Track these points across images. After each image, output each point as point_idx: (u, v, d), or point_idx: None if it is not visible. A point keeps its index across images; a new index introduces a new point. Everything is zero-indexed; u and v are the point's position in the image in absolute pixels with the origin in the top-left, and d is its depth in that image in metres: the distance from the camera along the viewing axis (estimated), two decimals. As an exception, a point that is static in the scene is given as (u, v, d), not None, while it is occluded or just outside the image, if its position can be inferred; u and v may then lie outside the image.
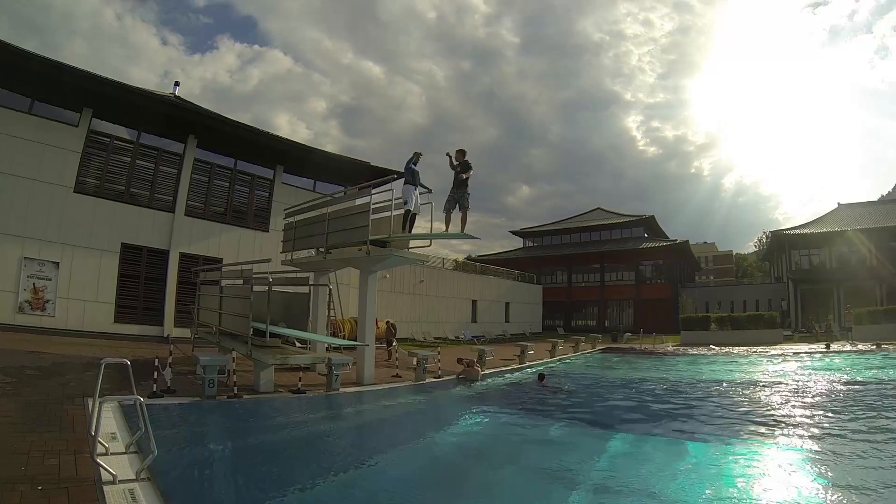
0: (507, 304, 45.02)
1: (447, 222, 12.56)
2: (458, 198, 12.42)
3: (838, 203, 50.48)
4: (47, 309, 16.46)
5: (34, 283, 16.25)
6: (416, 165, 13.14)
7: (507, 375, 16.98)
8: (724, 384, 16.05)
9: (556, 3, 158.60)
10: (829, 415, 10.75)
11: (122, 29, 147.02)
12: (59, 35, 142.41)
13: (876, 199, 56.69)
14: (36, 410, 7.15)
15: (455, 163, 12.66)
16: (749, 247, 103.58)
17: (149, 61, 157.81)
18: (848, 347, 25.82)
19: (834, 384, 15.19)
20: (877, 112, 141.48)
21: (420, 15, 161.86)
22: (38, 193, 16.50)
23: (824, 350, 24.84)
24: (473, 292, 40.82)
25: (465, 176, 12.45)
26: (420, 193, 13.12)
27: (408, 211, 12.77)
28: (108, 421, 6.46)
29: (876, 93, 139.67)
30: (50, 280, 16.58)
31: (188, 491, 5.48)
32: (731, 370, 19.91)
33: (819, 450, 7.90)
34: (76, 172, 17.45)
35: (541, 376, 15.77)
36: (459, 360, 15.98)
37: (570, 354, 24.77)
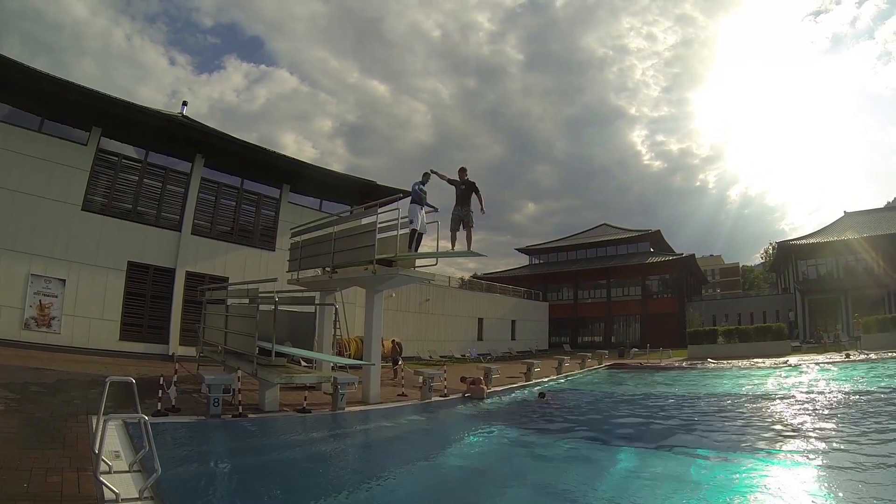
0: (513, 321, 44.86)
1: (453, 241, 12.55)
2: (463, 216, 12.42)
3: (844, 211, 50.73)
4: (53, 326, 16.49)
5: (40, 300, 16.29)
6: (424, 185, 13.16)
7: (514, 394, 16.87)
8: (731, 398, 15.96)
9: (559, 20, 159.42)
10: (841, 427, 10.66)
11: (132, 49, 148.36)
12: (69, 54, 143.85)
13: (882, 206, 56.72)
14: (39, 427, 7.15)
15: (457, 180, 12.68)
16: (755, 258, 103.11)
17: (157, 81, 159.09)
18: (862, 356, 25.54)
19: (846, 394, 15.08)
20: (881, 118, 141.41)
21: (425, 33, 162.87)
22: (46, 211, 16.59)
23: (834, 361, 24.58)
24: (479, 310, 40.70)
25: (472, 192, 12.51)
26: (426, 213, 13.15)
27: (414, 230, 12.80)
28: (111, 439, 6.44)
29: (879, 98, 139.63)
30: (56, 297, 16.63)
31: (191, 510, 5.46)
32: (738, 383, 19.75)
33: (830, 464, 7.82)
34: (84, 190, 17.58)
35: (541, 394, 15.77)
36: (463, 379, 15.90)
37: (576, 371, 24.64)
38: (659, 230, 58.31)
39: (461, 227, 12.43)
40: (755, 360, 27.44)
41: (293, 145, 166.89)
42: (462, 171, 12.72)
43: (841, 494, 6.55)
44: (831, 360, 25.02)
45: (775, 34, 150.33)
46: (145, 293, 18.80)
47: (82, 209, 17.48)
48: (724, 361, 28.11)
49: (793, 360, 26.56)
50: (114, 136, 18.45)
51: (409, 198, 13.30)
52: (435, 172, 12.98)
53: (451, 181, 12.68)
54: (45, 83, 15.92)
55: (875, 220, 47.36)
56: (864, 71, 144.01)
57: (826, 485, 6.98)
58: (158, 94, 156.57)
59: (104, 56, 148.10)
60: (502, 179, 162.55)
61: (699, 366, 27.37)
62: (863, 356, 25.24)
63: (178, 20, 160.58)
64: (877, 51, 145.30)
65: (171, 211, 19.94)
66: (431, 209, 13.32)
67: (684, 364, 28.76)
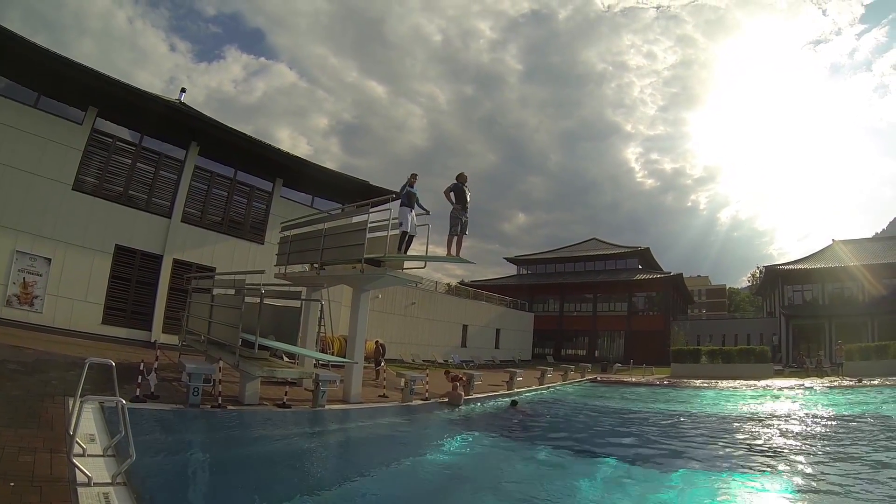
0: (497, 330, 44.89)
1: (448, 244, 12.66)
2: (463, 220, 12.56)
3: (833, 239, 51.10)
4: (35, 305, 16.30)
5: (24, 278, 16.11)
6: (412, 187, 13.18)
7: (493, 402, 16.85)
8: (711, 416, 16.05)
9: (561, 32, 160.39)
10: (814, 446, 10.74)
11: (133, 32, 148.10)
12: (69, 33, 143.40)
13: (870, 235, 57.15)
14: (14, 406, 7.07)
15: (458, 184, 12.78)
16: (742, 281, 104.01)
17: (156, 66, 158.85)
18: (846, 382, 25.78)
19: (819, 417, 15.20)
20: (874, 150, 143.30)
21: (426, 37, 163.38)
22: (37, 188, 16.41)
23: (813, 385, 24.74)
24: (464, 317, 40.74)
25: (466, 189, 12.70)
26: (417, 215, 13.17)
27: (404, 232, 12.82)
28: (87, 422, 6.38)
29: (874, 131, 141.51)
30: (40, 276, 16.45)
31: (163, 498, 5.40)
32: (718, 403, 19.88)
33: (803, 482, 7.86)
34: (76, 170, 17.39)
35: (513, 402, 16.22)
36: (447, 373, 16.06)
37: (558, 383, 24.66)
38: (648, 248, 58.54)
39: (458, 231, 12.54)
40: (740, 381, 27.53)
41: (288, 140, 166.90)
42: (462, 176, 12.87)
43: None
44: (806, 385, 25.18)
45: (775, 61, 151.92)
46: (131, 278, 18.65)
47: (73, 189, 17.31)
48: (712, 381, 28.16)
49: (781, 383, 26.68)
50: (110, 117, 18.30)
51: (400, 201, 13.31)
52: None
53: (451, 190, 12.79)
54: (45, 58, 15.76)
55: (862, 249, 47.86)
56: (860, 102, 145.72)
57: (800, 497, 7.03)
58: (156, 80, 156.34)
59: (105, 37, 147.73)
60: (494, 188, 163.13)
61: (682, 384, 27.44)
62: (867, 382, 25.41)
63: (181, 6, 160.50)
64: (874, 83, 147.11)
65: (163, 197, 19.81)
66: (423, 212, 13.35)
67: (666, 382, 28.83)
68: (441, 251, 12.94)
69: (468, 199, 12.84)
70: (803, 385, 25.45)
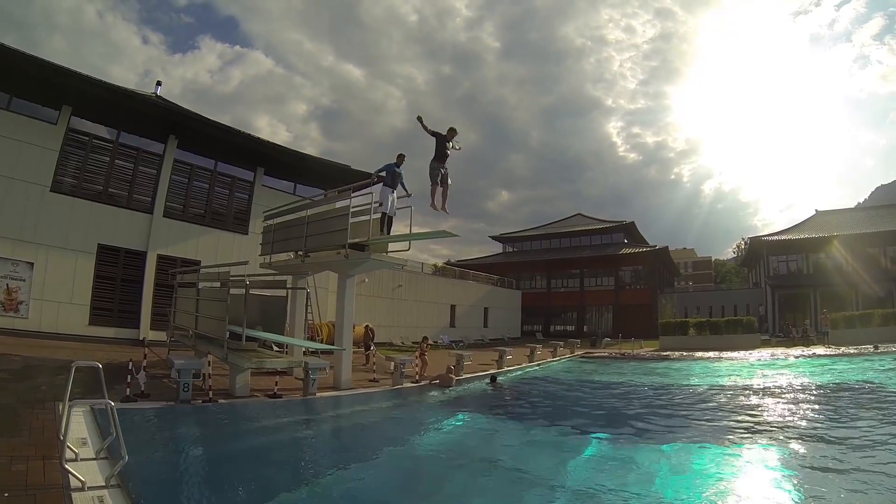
0: (485, 308, 45.10)
1: (432, 195, 12.61)
2: (443, 171, 12.51)
3: (816, 210, 51.81)
4: (20, 310, 16.20)
5: (7, 284, 15.98)
6: (399, 167, 13.14)
7: (484, 382, 16.98)
8: (698, 387, 16.27)
9: (538, 8, 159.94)
10: (804, 416, 10.93)
11: (104, 26, 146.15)
12: (39, 31, 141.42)
13: (853, 206, 57.71)
14: (4, 414, 7.07)
15: (441, 133, 12.63)
16: (728, 253, 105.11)
17: (129, 60, 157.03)
18: (830, 351, 26.17)
19: (808, 386, 15.46)
20: (855, 121, 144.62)
21: (401, 18, 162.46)
22: (14, 191, 16.24)
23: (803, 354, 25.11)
24: (452, 297, 40.90)
25: (451, 144, 12.60)
26: (399, 197, 13.15)
27: (384, 213, 12.80)
28: (78, 426, 6.40)
29: (854, 101, 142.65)
30: (24, 281, 16.33)
31: (159, 498, 5.44)
32: (704, 373, 20.16)
33: (793, 450, 8.02)
34: (53, 171, 17.21)
35: (493, 378, 16.61)
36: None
37: (548, 359, 24.84)
38: (633, 222, 58.83)
39: (440, 182, 12.52)
40: (725, 353, 27.81)
41: (267, 128, 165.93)
42: (452, 131, 12.74)
43: (803, 474, 6.73)
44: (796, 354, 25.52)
45: (754, 33, 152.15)
46: (116, 277, 18.57)
47: (51, 190, 17.14)
48: (699, 353, 28.41)
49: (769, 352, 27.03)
50: (85, 115, 18.10)
51: (382, 172, 13.26)
52: (421, 120, 12.77)
53: (433, 133, 12.62)
54: (14, 59, 15.48)
55: (846, 219, 48.57)
56: (840, 73, 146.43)
57: (791, 468, 7.17)
58: (130, 74, 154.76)
59: (75, 33, 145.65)
60: (477, 167, 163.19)
61: (671, 357, 27.70)
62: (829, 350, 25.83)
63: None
64: (853, 54, 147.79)
65: (143, 193, 19.67)
66: (405, 194, 13.31)
67: (655, 355, 29.12)
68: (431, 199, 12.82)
69: (448, 153, 12.69)
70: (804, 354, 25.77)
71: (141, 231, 19.26)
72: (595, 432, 9.95)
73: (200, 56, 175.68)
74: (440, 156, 12.58)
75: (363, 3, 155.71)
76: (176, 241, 20.29)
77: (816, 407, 12.34)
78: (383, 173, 13.16)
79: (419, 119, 12.49)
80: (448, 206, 12.88)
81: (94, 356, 8.37)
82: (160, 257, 19.57)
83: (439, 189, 12.65)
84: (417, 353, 16.18)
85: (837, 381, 16.62)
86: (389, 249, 13.81)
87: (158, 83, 23.76)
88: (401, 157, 13.28)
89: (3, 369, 10.32)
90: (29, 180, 16.58)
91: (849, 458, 7.52)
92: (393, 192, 12.99)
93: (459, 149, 13.08)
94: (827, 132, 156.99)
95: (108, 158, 18.81)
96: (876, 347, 24.50)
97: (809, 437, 9.13)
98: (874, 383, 15.53)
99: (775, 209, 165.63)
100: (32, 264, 16.48)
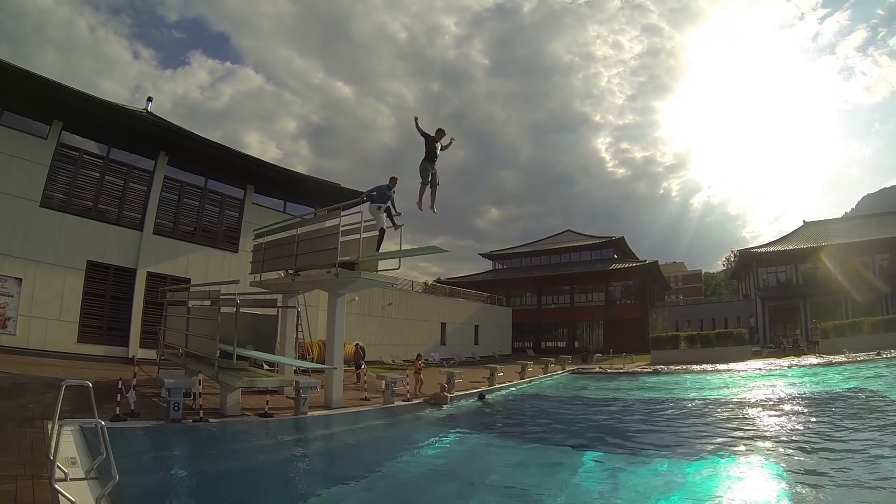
0: (476, 326, 45.06)
1: (420, 195, 12.61)
2: (433, 172, 12.52)
3: (804, 221, 52.46)
4: (8, 327, 16.01)
5: (-5, 300, 15.87)
6: (391, 191, 13.12)
7: (474, 399, 16.97)
8: (690, 401, 16.29)
9: (526, 25, 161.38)
10: (799, 427, 10.97)
11: (95, 41, 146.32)
12: (30, 43, 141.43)
13: (840, 216, 58.26)
14: (-7, 433, 7.00)
15: (432, 136, 12.62)
16: (717, 265, 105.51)
17: (121, 74, 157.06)
18: (819, 360, 26.34)
19: (802, 396, 15.52)
20: (840, 132, 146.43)
21: (391, 35, 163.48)
22: (2, 206, 16.08)
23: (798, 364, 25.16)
24: (442, 315, 40.87)
25: (441, 144, 12.60)
26: (386, 227, 13.11)
27: (382, 229, 12.82)
28: (68, 445, 6.34)
29: (840, 112, 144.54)
30: (12, 297, 16.16)
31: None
32: (696, 387, 20.17)
33: (786, 461, 8.04)
34: (43, 186, 17.09)
35: (481, 396, 16.58)
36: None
37: (539, 376, 24.81)
38: (622, 237, 58.98)
39: (430, 182, 12.54)
40: (716, 365, 27.84)
41: (257, 145, 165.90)
42: (440, 132, 12.76)
43: (797, 484, 6.75)
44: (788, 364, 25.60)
45: (740, 47, 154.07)
46: (105, 294, 18.42)
47: (41, 205, 17.02)
48: (690, 366, 28.44)
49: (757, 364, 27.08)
50: (75, 130, 18.03)
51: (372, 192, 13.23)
52: (417, 121, 12.76)
53: (424, 133, 12.63)
54: (5, 72, 15.42)
55: (833, 229, 49.12)
56: (825, 85, 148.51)
57: (782, 479, 7.19)
58: (121, 88, 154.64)
59: (67, 47, 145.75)
60: (466, 184, 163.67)
61: (662, 371, 27.72)
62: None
63: (143, 13, 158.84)
64: (838, 66, 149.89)
65: (133, 209, 19.59)
66: (391, 226, 13.29)
67: (647, 369, 29.13)
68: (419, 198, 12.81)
69: (438, 154, 12.72)
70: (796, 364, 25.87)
71: (130, 248, 19.15)
72: (587, 449, 9.96)
73: (191, 71, 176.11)
74: (430, 156, 12.61)
75: (353, 20, 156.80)
76: (166, 259, 20.18)
77: (808, 416, 12.41)
78: (374, 193, 13.14)
79: (416, 119, 12.54)
80: (437, 208, 12.86)
81: (83, 374, 8.33)
82: (150, 275, 19.43)
83: (428, 189, 12.68)
84: (413, 371, 16.24)
85: (828, 389, 16.70)
86: (380, 267, 13.83)
87: (149, 99, 23.81)
88: (393, 181, 13.30)
89: (-10, 388, 10.23)
90: (18, 195, 16.46)
91: (849, 468, 7.55)
92: (380, 209, 12.95)
93: (449, 144, 13.07)
94: (813, 143, 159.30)
95: (98, 174, 18.73)
96: (879, 353, 24.59)
97: (805, 448, 9.14)
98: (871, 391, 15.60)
99: (764, 221, 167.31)
100: (21, 280, 16.32)
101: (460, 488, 7.61)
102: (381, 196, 13.01)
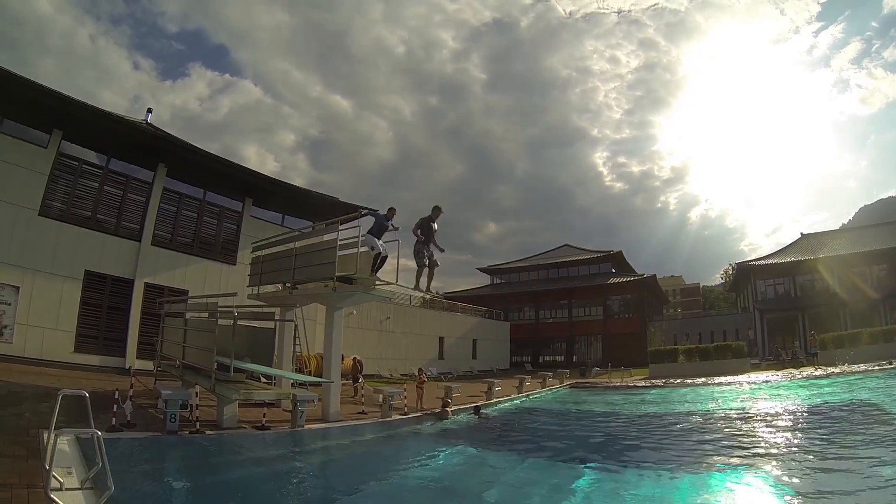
0: (474, 340, 45.00)
1: (417, 278, 12.80)
2: (429, 254, 12.68)
3: (801, 233, 52.59)
4: (4, 335, 15.93)
5: (-8, 309, 15.82)
6: (388, 222, 13.16)
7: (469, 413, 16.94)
8: (690, 415, 16.24)
9: (524, 40, 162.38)
10: (798, 439, 10.95)
11: (95, 51, 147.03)
12: (30, 51, 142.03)
13: (837, 227, 58.44)
14: (-12, 442, 6.96)
15: (431, 217, 12.85)
16: (715, 278, 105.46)
17: (120, 85, 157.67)
18: (818, 372, 26.31)
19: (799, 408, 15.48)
20: (837, 144, 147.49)
21: (389, 49, 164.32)
22: (1, 214, 16.06)
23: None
24: (440, 329, 40.85)
25: (436, 225, 12.75)
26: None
27: (378, 254, 12.83)
28: (63, 455, 6.30)
29: (835, 125, 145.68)
30: (9, 304, 16.10)
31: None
32: (695, 400, 20.12)
33: (788, 474, 7.99)
34: (42, 195, 17.09)
35: (476, 409, 16.67)
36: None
37: (537, 390, 24.78)
38: (620, 251, 59.03)
39: (427, 265, 12.66)
40: (716, 378, 27.77)
41: (255, 158, 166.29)
42: (437, 209, 12.91)
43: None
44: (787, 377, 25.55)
45: (735, 61, 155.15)
46: (102, 304, 18.37)
47: (39, 214, 17.00)
48: (688, 379, 28.39)
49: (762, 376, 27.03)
50: (75, 139, 18.05)
51: (369, 215, 13.30)
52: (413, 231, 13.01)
53: (420, 229, 12.83)
54: (5, 80, 15.37)
55: (831, 241, 49.25)
56: (820, 98, 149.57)
57: (781, 491, 7.15)
58: (120, 99, 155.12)
59: (67, 56, 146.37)
60: (463, 199, 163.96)
61: (659, 384, 27.70)
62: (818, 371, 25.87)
63: (143, 24, 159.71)
64: (832, 79, 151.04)
65: (132, 220, 19.58)
66: (439, 249, 13.50)
67: (645, 383, 29.11)
68: (412, 265, 13.01)
69: (435, 231, 12.87)
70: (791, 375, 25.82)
71: (128, 258, 19.14)
72: (585, 463, 9.91)
73: (191, 83, 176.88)
74: (427, 239, 12.76)
75: (351, 33, 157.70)
76: (164, 270, 20.16)
77: (806, 428, 12.37)
78: (373, 227, 13.13)
79: (413, 231, 12.99)
80: (432, 290, 13.09)
81: (79, 384, 8.31)
82: (147, 286, 19.41)
83: (426, 271, 12.80)
84: (416, 384, 16.27)
85: (825, 400, 16.65)
86: (377, 283, 13.84)
87: (149, 110, 23.89)
88: (391, 212, 13.29)
89: (-14, 397, 10.18)
90: (17, 203, 16.46)
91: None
92: (379, 239, 12.99)
93: (443, 250, 13.47)
94: (810, 156, 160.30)
95: (97, 184, 18.75)
96: (891, 363, 24.45)
97: (803, 460, 9.10)
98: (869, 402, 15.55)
99: (761, 234, 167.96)
100: (18, 288, 16.27)
101: (454, 502, 7.58)
102: (380, 228, 13.02)
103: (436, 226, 12.88)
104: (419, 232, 12.89)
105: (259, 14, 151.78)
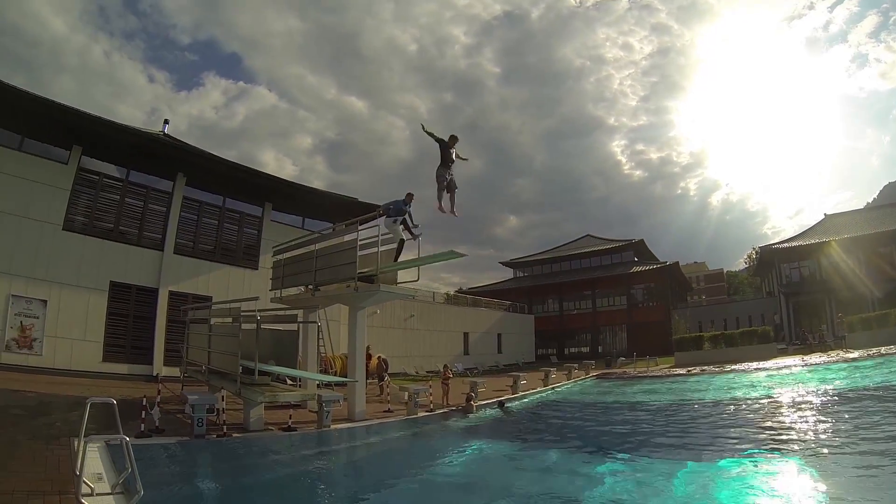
0: (498, 334, 44.83)
1: (439, 199, 12.56)
2: (449, 178, 12.48)
3: (825, 214, 51.54)
4: (34, 347, 16.25)
5: (21, 321, 16.07)
6: (407, 206, 13.18)
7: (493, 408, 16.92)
8: (714, 403, 16.08)
9: (535, 31, 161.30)
10: (824, 426, 10.79)
11: (110, 66, 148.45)
12: (46, 71, 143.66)
13: (862, 206, 57.37)
14: (21, 450, 7.11)
15: (445, 140, 12.59)
16: (739, 263, 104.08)
17: (136, 98, 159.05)
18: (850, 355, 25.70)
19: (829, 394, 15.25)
20: (858, 121, 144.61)
21: (401, 48, 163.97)
22: (26, 230, 16.40)
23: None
24: (465, 325, 40.71)
25: (454, 152, 12.57)
26: (404, 229, 13.15)
27: (401, 241, 12.84)
28: (93, 461, 6.41)
29: (855, 101, 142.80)
30: (37, 318, 16.40)
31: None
32: (723, 387, 19.90)
33: (817, 462, 7.91)
34: (65, 210, 17.38)
35: (501, 404, 16.66)
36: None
37: (563, 382, 24.69)
38: (642, 239, 58.54)
39: (447, 188, 12.52)
40: (742, 364, 27.41)
41: (273, 163, 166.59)
42: (454, 138, 12.76)
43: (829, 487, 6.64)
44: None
45: (750, 41, 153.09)
46: (128, 313, 18.63)
47: (63, 229, 17.29)
48: (714, 367, 28.06)
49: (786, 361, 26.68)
50: (95, 154, 18.31)
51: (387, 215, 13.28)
52: (423, 127, 12.78)
53: (437, 139, 12.63)
54: (26, 101, 15.72)
55: (855, 221, 48.09)
56: (839, 74, 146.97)
57: (813, 480, 7.08)
58: (137, 112, 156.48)
59: (82, 73, 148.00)
60: (483, 193, 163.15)
61: (685, 373, 27.46)
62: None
63: (155, 37, 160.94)
64: (851, 53, 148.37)
65: (153, 230, 19.82)
66: (411, 237, 13.38)
67: (671, 371, 28.89)
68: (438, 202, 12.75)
69: (453, 159, 12.69)
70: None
71: (152, 268, 19.38)
72: (613, 454, 9.87)
73: (205, 92, 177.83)
74: (445, 162, 12.60)
75: (362, 35, 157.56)
76: (187, 278, 20.39)
77: (842, 414, 12.19)
78: (391, 207, 13.17)
79: (422, 126, 12.56)
80: (458, 211, 12.82)
81: (108, 392, 8.41)
82: (172, 293, 19.64)
83: (446, 194, 12.67)
84: (441, 380, 16.33)
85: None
86: (399, 279, 13.86)
87: (166, 122, 24.17)
88: (409, 196, 13.29)
89: (18, 405, 10.38)
90: (41, 219, 16.75)
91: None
92: (395, 222, 12.98)
93: (465, 159, 13.15)
94: (830, 134, 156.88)
95: (118, 197, 19.02)
96: None
97: (841, 447, 8.99)
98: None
99: (784, 216, 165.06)
100: (46, 302, 16.57)
101: (482, 498, 7.58)
102: (398, 210, 13.04)
103: (454, 152, 12.72)
104: (440, 151, 12.66)
105: (270, 20, 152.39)
